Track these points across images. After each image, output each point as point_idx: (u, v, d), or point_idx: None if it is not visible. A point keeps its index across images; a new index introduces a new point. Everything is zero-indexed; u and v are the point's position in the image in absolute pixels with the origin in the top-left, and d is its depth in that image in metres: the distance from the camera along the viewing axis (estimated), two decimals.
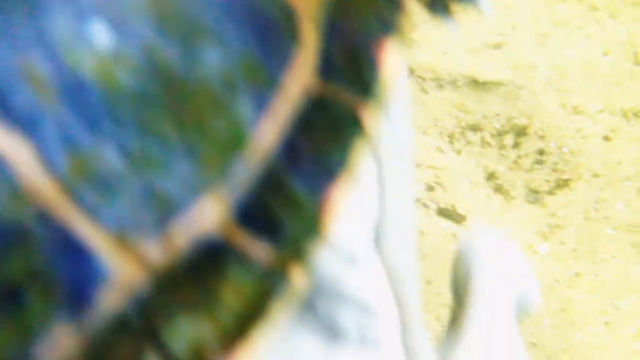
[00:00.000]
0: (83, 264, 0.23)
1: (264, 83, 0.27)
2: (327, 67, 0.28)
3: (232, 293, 0.25)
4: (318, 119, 0.28)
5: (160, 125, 0.25)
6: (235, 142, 0.26)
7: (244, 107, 0.26)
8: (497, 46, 1.31)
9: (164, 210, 0.24)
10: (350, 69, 0.29)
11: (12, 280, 0.22)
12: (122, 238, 0.24)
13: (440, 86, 1.26)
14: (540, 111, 1.23)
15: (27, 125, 0.23)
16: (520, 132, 1.22)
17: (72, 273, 0.23)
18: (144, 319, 0.24)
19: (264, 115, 0.27)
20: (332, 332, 0.36)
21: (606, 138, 1.21)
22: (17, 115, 0.23)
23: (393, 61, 0.30)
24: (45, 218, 0.23)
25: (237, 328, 0.25)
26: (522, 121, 1.23)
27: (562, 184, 1.16)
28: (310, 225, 0.27)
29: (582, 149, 1.18)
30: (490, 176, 1.18)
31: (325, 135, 0.28)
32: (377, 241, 0.39)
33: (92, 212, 0.23)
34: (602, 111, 1.23)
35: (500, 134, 1.22)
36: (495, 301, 0.49)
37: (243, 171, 0.26)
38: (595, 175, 1.16)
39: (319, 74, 0.28)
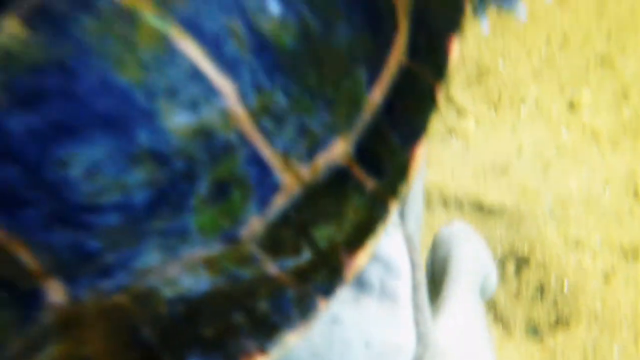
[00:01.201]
0: (264, 173, 0.33)
1: (374, 57, 0.37)
2: (415, 48, 0.39)
3: (352, 210, 0.35)
4: (407, 88, 0.38)
5: (309, 80, 0.34)
6: (356, 98, 0.35)
7: (361, 73, 0.37)
8: (503, 170, 1.35)
9: (312, 143, 0.35)
10: (429, 52, 0.40)
11: (224, 178, 0.32)
12: (286, 158, 0.34)
13: (446, 207, 1.29)
14: (542, 241, 1.26)
15: (232, 68, 0.33)
16: (522, 261, 1.24)
17: (257, 179, 0.33)
18: (299, 218, 0.34)
19: (375, 81, 0.37)
20: (360, 283, 0.45)
21: (605, 276, 1.23)
22: (226, 61, 0.33)
23: (456, 51, 0.41)
24: (242, 137, 0.32)
25: (356, 237, 0.35)
26: (524, 250, 1.25)
27: (562, 321, 1.18)
28: (402, 170, 0.37)
29: (582, 285, 1.21)
30: (491, 305, 1.20)
31: (413, 100, 0.38)
32: (401, 214, 0.49)
33: (270, 137, 0.33)
34: (601, 247, 1.27)
35: (502, 260, 1.25)
36: (469, 282, 0.58)
37: (360, 120, 0.36)
38: (595, 316, 1.19)
39: (408, 53, 0.39)
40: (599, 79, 1.50)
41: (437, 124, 1.42)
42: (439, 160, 1.32)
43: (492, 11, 1.47)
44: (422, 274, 0.49)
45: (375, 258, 0.45)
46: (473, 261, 0.59)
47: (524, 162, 1.37)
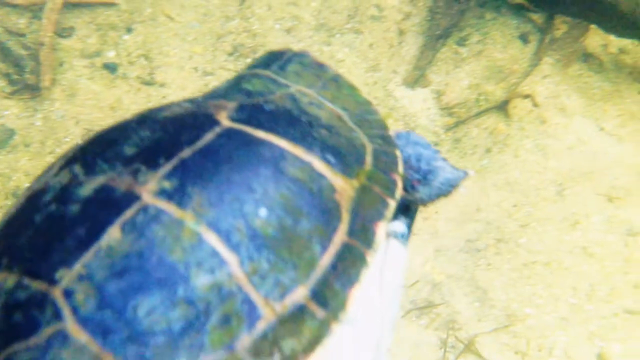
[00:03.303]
0: (252, 309, 0.55)
1: (325, 237, 0.60)
2: (352, 231, 0.63)
3: (307, 330, 0.56)
4: (346, 255, 0.61)
5: (282, 253, 0.58)
6: (312, 262, 0.59)
7: (316, 248, 0.59)
8: None
9: (283, 291, 0.56)
10: (362, 233, 0.63)
11: (227, 313, 0.53)
12: (266, 300, 0.55)
13: None
14: None
15: (235, 248, 0.56)
16: None
17: (248, 312, 0.55)
18: (273, 335, 0.55)
19: (325, 251, 0.60)
20: None
21: None
22: (232, 244, 0.56)
23: (381, 233, 0.64)
24: (240, 288, 0.54)
25: (309, 346, 0.56)
26: None
27: None
28: (342, 304, 0.58)
29: None
30: None
31: (350, 262, 0.61)
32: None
33: (257, 288, 0.55)
34: None
35: None
36: None
37: (314, 275, 0.58)
38: None
39: (348, 234, 0.62)
40: (628, 332, 1.48)
41: None
42: None
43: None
44: None
45: None
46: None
47: None
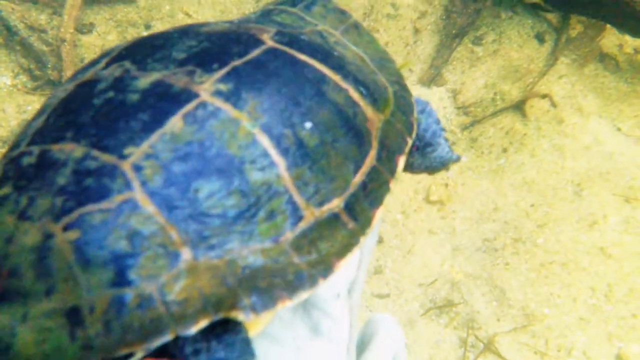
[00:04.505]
0: (295, 209, 0.60)
1: (358, 159, 0.65)
2: (379, 157, 0.67)
3: (340, 236, 0.62)
4: (374, 178, 0.66)
5: (322, 165, 0.62)
6: (347, 178, 0.64)
7: (350, 166, 0.64)
8: None
9: (321, 199, 0.61)
10: (387, 161, 0.68)
11: (274, 209, 0.59)
12: (308, 203, 0.61)
13: None
14: None
15: (284, 153, 0.61)
16: None
17: (291, 212, 0.60)
18: (311, 235, 0.60)
19: (357, 171, 0.64)
20: (315, 329, 0.67)
21: None
22: (282, 149, 0.61)
23: (401, 165, 0.68)
24: (286, 189, 0.59)
25: (341, 251, 0.61)
26: None
27: None
28: (368, 220, 0.64)
29: None
30: None
31: (376, 184, 0.65)
32: (349, 290, 0.71)
33: (300, 191, 0.60)
34: None
35: None
36: (384, 356, 0.77)
37: (348, 190, 0.63)
38: None
39: (376, 159, 0.66)
40: None
41: None
42: None
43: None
44: (355, 332, 0.71)
45: (328, 315, 0.68)
46: (389, 343, 0.79)
47: None
